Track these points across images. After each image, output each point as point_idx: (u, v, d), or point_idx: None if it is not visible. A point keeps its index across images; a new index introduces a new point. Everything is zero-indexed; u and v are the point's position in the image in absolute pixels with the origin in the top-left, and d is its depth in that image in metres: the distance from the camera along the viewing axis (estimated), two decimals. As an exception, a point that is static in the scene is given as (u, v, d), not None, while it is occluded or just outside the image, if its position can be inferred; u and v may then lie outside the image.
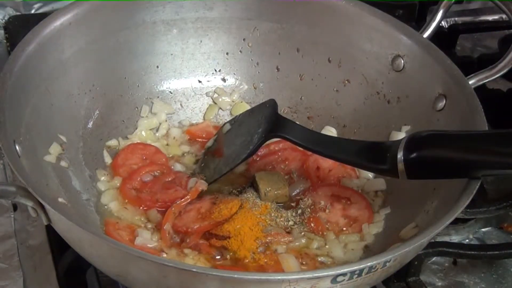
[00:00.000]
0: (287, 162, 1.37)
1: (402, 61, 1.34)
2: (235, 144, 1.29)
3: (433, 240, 1.24)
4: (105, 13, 1.34)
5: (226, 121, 1.40)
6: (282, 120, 1.27)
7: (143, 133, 1.40)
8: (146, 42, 1.41)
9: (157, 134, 1.42)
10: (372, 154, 1.17)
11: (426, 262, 1.27)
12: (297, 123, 1.30)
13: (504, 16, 1.70)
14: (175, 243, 1.20)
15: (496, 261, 1.31)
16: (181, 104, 1.47)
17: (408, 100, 1.34)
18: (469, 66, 1.56)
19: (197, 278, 0.93)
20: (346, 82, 1.43)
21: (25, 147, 1.10)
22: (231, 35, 1.46)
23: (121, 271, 1.02)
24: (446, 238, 1.34)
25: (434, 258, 1.30)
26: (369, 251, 1.22)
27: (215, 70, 1.48)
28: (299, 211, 1.27)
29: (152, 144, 1.39)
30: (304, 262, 1.18)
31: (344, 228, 1.26)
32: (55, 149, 1.22)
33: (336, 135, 1.41)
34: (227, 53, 1.48)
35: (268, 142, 1.30)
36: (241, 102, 1.48)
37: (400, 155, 1.09)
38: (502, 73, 1.27)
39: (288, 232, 1.23)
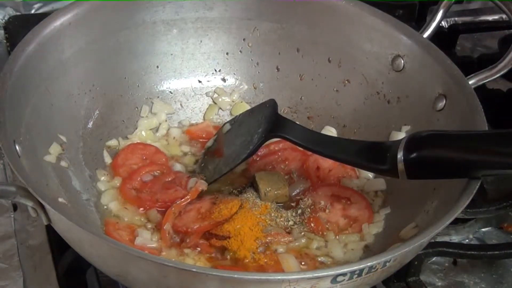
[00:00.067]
0: (287, 162, 1.37)
1: (402, 61, 1.34)
2: (235, 144, 1.29)
3: (433, 240, 1.24)
4: (105, 13, 1.34)
5: (226, 121, 1.40)
6: (282, 120, 1.27)
7: (143, 133, 1.40)
8: (146, 42, 1.41)
9: (157, 134, 1.42)
10: (372, 154, 1.17)
11: (426, 262, 1.27)
12: (297, 123, 1.30)
13: (504, 16, 1.71)
14: (175, 243, 1.20)
15: (496, 261, 1.31)
16: (181, 104, 1.47)
17: (408, 100, 1.34)
18: (469, 66, 1.56)
19: (197, 278, 0.93)
20: (346, 82, 1.43)
21: (25, 147, 1.10)
22: (231, 35, 1.46)
23: (121, 271, 1.02)
24: (446, 238, 1.34)
25: (434, 258, 1.30)
26: (369, 251, 1.22)
27: (215, 70, 1.48)
28: (299, 211, 1.27)
29: (152, 144, 1.39)
30: (304, 262, 1.18)
31: (344, 228, 1.26)
32: (55, 149, 1.22)
33: (336, 135, 1.41)
34: (227, 53, 1.48)
35: (268, 142, 1.30)
36: (241, 102, 1.48)
37: (400, 155, 1.09)
38: (502, 73, 1.27)
39: (288, 232, 1.23)
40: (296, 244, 1.21)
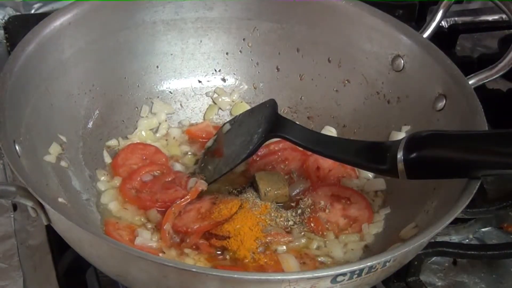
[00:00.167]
0: (287, 162, 1.37)
1: (402, 61, 1.34)
2: (235, 144, 1.29)
3: (433, 240, 1.24)
4: (105, 13, 1.34)
5: (226, 121, 1.40)
6: (282, 120, 1.27)
7: (143, 133, 1.40)
8: (146, 42, 1.41)
9: (157, 134, 1.42)
10: (372, 154, 1.17)
11: (426, 262, 1.27)
12: (297, 123, 1.30)
13: (504, 16, 1.71)
14: (175, 243, 1.20)
15: (496, 261, 1.31)
16: (181, 104, 1.47)
17: (408, 100, 1.34)
18: (469, 66, 1.56)
19: (197, 278, 0.93)
20: (346, 82, 1.43)
21: (25, 147, 1.10)
22: (231, 35, 1.46)
23: (121, 271, 1.02)
24: (446, 238, 1.34)
25: (434, 258, 1.30)
26: (369, 251, 1.22)
27: (215, 70, 1.48)
28: (299, 211, 1.27)
29: (152, 144, 1.39)
30: (304, 262, 1.18)
31: (344, 228, 1.26)
32: (55, 149, 1.22)
33: (336, 135, 1.41)
34: (227, 53, 1.48)
35: (268, 142, 1.30)
36: (241, 102, 1.48)
37: (400, 155, 1.09)
38: (502, 73, 1.27)
39: (288, 232, 1.23)
40: (296, 244, 1.21)
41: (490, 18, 1.95)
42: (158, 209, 1.24)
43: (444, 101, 1.26)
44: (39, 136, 1.19)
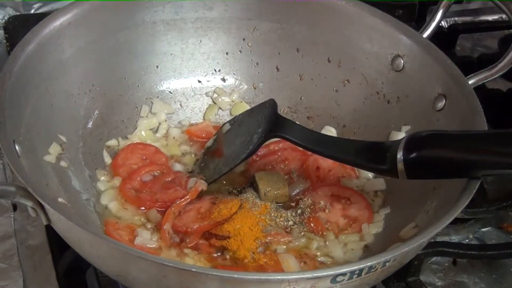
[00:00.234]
0: (287, 162, 1.37)
1: (402, 61, 1.34)
2: (235, 144, 1.29)
3: (433, 240, 1.24)
4: (105, 13, 1.34)
5: (226, 121, 1.40)
6: (282, 120, 1.27)
7: (143, 133, 1.40)
8: (146, 42, 1.41)
9: (157, 134, 1.42)
10: (371, 154, 1.17)
11: (426, 262, 1.27)
12: (297, 123, 1.30)
13: (504, 16, 1.71)
14: (175, 243, 1.20)
15: (496, 261, 1.31)
16: (180, 104, 1.47)
17: (408, 100, 1.34)
18: (469, 66, 1.56)
19: (197, 278, 0.93)
20: (346, 82, 1.43)
21: (25, 147, 1.10)
22: (231, 35, 1.46)
23: (121, 271, 1.02)
24: (446, 238, 1.34)
25: (434, 258, 1.30)
26: (369, 251, 1.22)
27: (215, 70, 1.48)
28: (299, 211, 1.27)
29: (152, 144, 1.39)
30: (304, 262, 1.18)
31: (344, 228, 1.26)
32: (55, 149, 1.22)
33: (336, 135, 1.41)
34: (226, 53, 1.48)
35: (268, 142, 1.30)
36: (241, 102, 1.48)
37: (399, 155, 1.09)
38: (502, 73, 1.27)
39: (288, 232, 1.23)
40: (296, 244, 1.21)
41: (490, 18, 1.95)
42: (158, 209, 1.24)
43: (444, 101, 1.26)
44: (39, 136, 1.19)
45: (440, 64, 1.28)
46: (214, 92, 1.48)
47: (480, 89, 1.25)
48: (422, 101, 1.30)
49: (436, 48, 1.31)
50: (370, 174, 1.36)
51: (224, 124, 1.37)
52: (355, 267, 0.93)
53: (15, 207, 1.30)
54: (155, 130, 1.43)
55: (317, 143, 1.23)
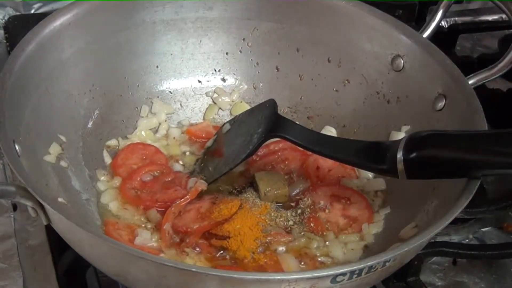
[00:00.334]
0: (287, 162, 1.37)
1: (402, 61, 1.34)
2: (235, 144, 1.29)
3: (433, 240, 1.24)
4: (105, 13, 1.34)
5: (226, 121, 1.40)
6: (282, 120, 1.27)
7: (143, 133, 1.40)
8: (146, 42, 1.41)
9: (156, 134, 1.42)
10: (371, 154, 1.17)
11: (426, 262, 1.27)
12: (297, 123, 1.30)
13: (504, 16, 1.70)
14: (175, 243, 1.20)
15: (496, 261, 1.31)
16: (180, 104, 1.47)
17: (408, 100, 1.34)
18: (469, 66, 1.56)
19: (196, 278, 0.93)
20: (346, 82, 1.43)
21: (25, 147, 1.10)
22: (231, 35, 1.46)
23: (121, 271, 1.02)
24: (446, 238, 1.34)
25: (434, 258, 1.30)
26: (369, 251, 1.22)
27: (215, 70, 1.48)
28: (299, 211, 1.27)
29: (152, 144, 1.39)
30: (303, 262, 1.18)
31: (344, 228, 1.26)
32: (54, 149, 1.22)
33: (336, 135, 1.41)
34: (226, 53, 1.48)
35: (268, 142, 1.30)
36: (241, 102, 1.48)
37: (399, 155, 1.09)
38: (502, 73, 1.27)
39: (288, 232, 1.23)
40: (296, 244, 1.21)
41: (490, 18, 1.95)
42: (158, 209, 1.24)
43: (444, 101, 1.26)
44: (39, 136, 1.19)
45: (440, 64, 1.28)
46: (214, 92, 1.48)
47: (480, 89, 1.25)
48: (422, 101, 1.30)
49: (436, 48, 1.31)
50: (370, 174, 1.36)
51: (224, 124, 1.37)
52: (355, 267, 0.93)
53: (15, 207, 1.30)
54: (155, 130, 1.43)
55: (317, 143, 1.23)
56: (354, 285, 0.97)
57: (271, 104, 1.29)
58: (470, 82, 1.25)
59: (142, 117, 1.42)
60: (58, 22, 1.27)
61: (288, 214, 1.26)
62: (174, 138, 1.42)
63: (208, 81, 1.48)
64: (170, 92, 1.46)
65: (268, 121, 1.26)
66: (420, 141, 1.09)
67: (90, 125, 1.34)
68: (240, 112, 1.39)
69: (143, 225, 1.23)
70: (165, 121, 1.44)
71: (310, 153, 1.32)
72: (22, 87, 1.17)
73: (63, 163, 1.23)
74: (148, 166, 1.33)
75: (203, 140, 1.41)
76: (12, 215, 1.29)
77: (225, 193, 1.29)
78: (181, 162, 1.37)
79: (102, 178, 1.30)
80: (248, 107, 1.46)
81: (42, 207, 1.02)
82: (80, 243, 1.04)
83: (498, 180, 1.38)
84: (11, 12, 1.73)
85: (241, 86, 1.49)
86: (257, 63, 1.48)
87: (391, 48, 1.36)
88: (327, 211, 1.28)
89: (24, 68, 1.18)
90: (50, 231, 1.21)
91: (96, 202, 1.26)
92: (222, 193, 1.29)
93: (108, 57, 1.37)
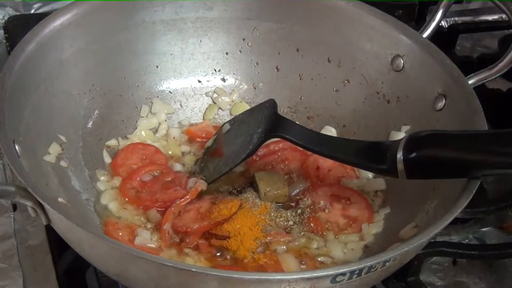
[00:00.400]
0: (286, 162, 1.37)
1: (402, 61, 1.34)
2: (235, 144, 1.29)
3: (432, 240, 1.24)
4: (105, 13, 1.34)
5: (225, 121, 1.40)
6: (282, 120, 1.27)
7: (143, 133, 1.40)
8: (146, 42, 1.41)
9: (156, 134, 1.42)
10: (371, 154, 1.17)
11: (426, 262, 1.27)
12: (297, 123, 1.30)
13: (504, 16, 1.70)
14: (175, 243, 1.20)
15: (496, 261, 1.31)
16: (180, 104, 1.47)
17: (407, 100, 1.34)
18: (469, 66, 1.56)
19: (196, 278, 0.93)
20: (346, 82, 1.43)
21: (25, 147, 1.10)
22: (231, 35, 1.46)
23: (121, 271, 1.03)
24: (446, 238, 1.34)
25: (433, 258, 1.30)
26: (368, 251, 1.22)
27: (215, 70, 1.48)
28: (299, 211, 1.27)
29: (152, 144, 1.39)
30: (303, 262, 1.18)
31: (344, 228, 1.26)
32: (54, 149, 1.22)
33: (336, 135, 1.41)
34: (226, 53, 1.48)
35: (267, 142, 1.30)
36: (241, 102, 1.48)
37: (399, 155, 1.09)
38: (502, 73, 1.27)
39: (288, 232, 1.23)
40: (296, 244, 1.21)
41: (490, 18, 1.95)
42: (158, 209, 1.24)
43: (444, 101, 1.26)
44: (39, 136, 1.19)
45: (440, 64, 1.28)
46: (214, 92, 1.48)
47: (480, 89, 1.25)
48: (422, 101, 1.30)
49: (436, 48, 1.31)
50: (370, 174, 1.36)
51: (224, 124, 1.37)
52: (355, 267, 0.93)
53: (15, 207, 1.30)
54: (155, 130, 1.43)
55: (317, 143, 1.23)
56: (354, 285, 0.97)
57: (271, 104, 1.29)
58: (470, 82, 1.25)
59: (142, 117, 1.42)
60: (58, 22, 1.27)
61: (288, 214, 1.26)
62: (174, 138, 1.42)
63: (208, 81, 1.48)
64: (170, 92, 1.46)
65: (268, 121, 1.26)
66: (420, 141, 1.09)
67: (90, 125, 1.34)
68: (240, 112, 1.39)
69: (143, 225, 1.23)
70: (165, 121, 1.44)
71: (310, 153, 1.32)
72: (22, 87, 1.17)
73: (63, 163, 1.23)
74: (148, 166, 1.33)
75: (203, 140, 1.41)
76: (12, 215, 1.29)
77: (225, 193, 1.29)
78: (181, 162, 1.37)
79: (102, 178, 1.30)
80: (248, 107, 1.46)
81: (42, 207, 1.02)
82: (80, 243, 1.04)
83: (498, 180, 1.39)
84: (11, 12, 1.73)
85: (241, 86, 1.49)
86: (257, 63, 1.48)
87: (391, 48, 1.36)
88: (327, 211, 1.28)
89: (24, 68, 1.18)
90: (50, 231, 1.21)
91: (96, 202, 1.26)
92: (222, 193, 1.29)
93: (108, 57, 1.37)
